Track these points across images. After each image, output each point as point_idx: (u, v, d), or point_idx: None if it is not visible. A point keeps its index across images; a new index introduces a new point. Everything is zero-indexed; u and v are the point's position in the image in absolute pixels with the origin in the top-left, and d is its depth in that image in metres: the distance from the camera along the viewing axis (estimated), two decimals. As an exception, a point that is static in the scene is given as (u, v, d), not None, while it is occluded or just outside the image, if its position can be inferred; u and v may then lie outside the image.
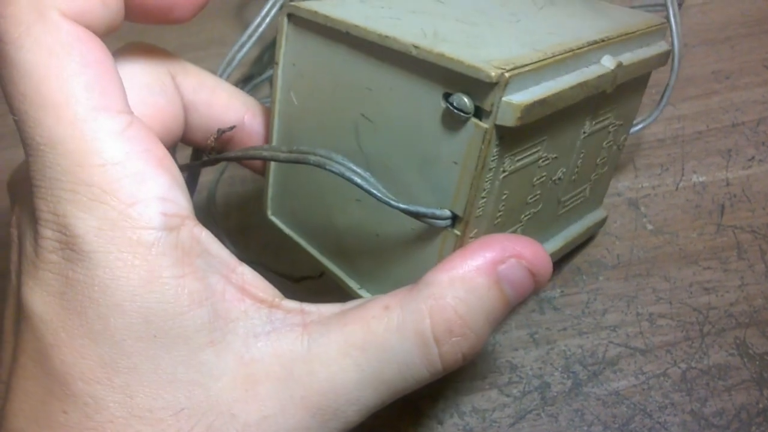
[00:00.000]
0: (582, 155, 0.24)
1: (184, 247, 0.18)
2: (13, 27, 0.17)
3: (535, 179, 0.22)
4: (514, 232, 0.23)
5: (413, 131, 0.20)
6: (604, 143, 0.25)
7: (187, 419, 0.17)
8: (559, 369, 0.27)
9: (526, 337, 0.28)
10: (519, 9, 0.24)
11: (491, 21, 0.22)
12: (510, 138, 0.19)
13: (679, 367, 0.26)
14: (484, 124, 0.18)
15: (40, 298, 0.18)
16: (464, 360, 0.19)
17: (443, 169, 0.19)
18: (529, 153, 0.21)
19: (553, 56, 0.19)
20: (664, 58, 0.25)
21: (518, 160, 0.20)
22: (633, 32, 0.23)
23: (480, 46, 0.19)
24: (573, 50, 0.20)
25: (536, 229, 0.25)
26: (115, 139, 0.17)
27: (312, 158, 0.21)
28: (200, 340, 0.18)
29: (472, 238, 0.20)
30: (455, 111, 0.18)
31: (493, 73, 0.17)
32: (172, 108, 0.22)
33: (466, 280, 0.19)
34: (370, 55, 0.20)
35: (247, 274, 0.19)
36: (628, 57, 0.22)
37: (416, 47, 0.18)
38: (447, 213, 0.20)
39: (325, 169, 0.20)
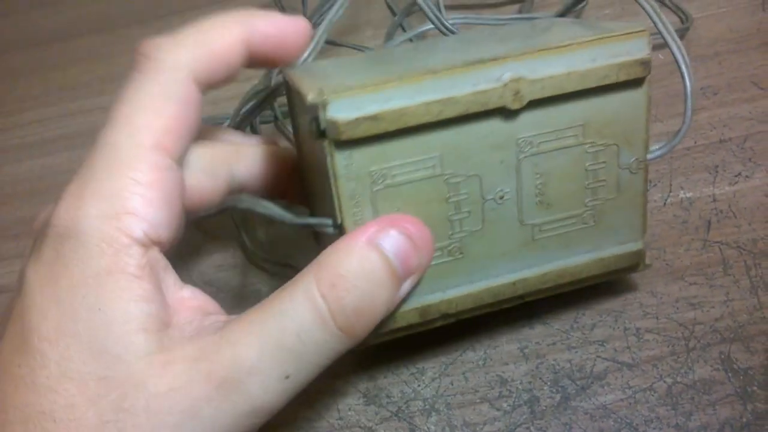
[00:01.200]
0: (540, 176, 0.24)
1: (149, 259, 0.22)
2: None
3: (449, 196, 0.24)
4: (450, 248, 0.25)
5: (316, 153, 0.24)
6: (587, 165, 0.25)
7: (106, 386, 0.20)
8: (548, 383, 0.28)
9: (516, 352, 0.29)
10: (479, 42, 0.27)
11: (411, 59, 0.26)
12: (363, 152, 0.22)
13: (665, 382, 0.27)
14: (324, 140, 0.22)
15: (33, 266, 0.21)
16: (358, 320, 0.21)
17: (327, 183, 0.23)
18: (412, 168, 0.23)
19: (401, 79, 0.22)
20: (637, 68, 0.23)
21: (396, 175, 0.23)
22: (579, 43, 0.23)
23: (336, 78, 0.24)
24: (437, 71, 0.22)
25: (496, 250, 0.25)
26: (145, 171, 0.22)
27: (229, 202, 0.24)
28: (135, 326, 0.21)
29: None
30: (312, 131, 0.22)
31: (310, 97, 0.21)
32: (213, 187, 0.26)
33: (347, 246, 0.22)
34: None
35: (186, 294, 0.24)
36: (550, 71, 0.23)
37: (298, 90, 0.23)
38: (328, 221, 0.23)
39: (237, 207, 0.23)
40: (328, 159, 0.22)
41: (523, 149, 0.24)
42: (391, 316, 0.24)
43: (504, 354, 0.29)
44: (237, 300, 0.34)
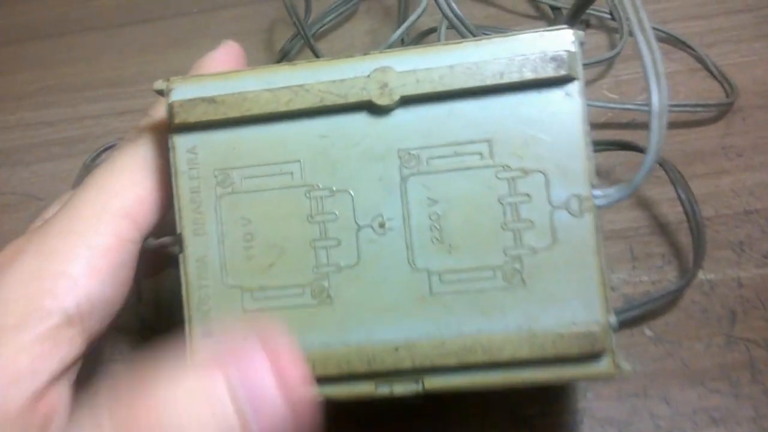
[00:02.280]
0: (434, 203, 0.20)
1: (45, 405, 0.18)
2: None
3: (312, 213, 0.20)
4: (314, 287, 0.20)
5: None
6: (501, 196, 0.19)
7: None
8: None
9: (498, 466, 0.24)
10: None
11: None
12: (209, 146, 0.20)
13: None
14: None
15: None
16: None
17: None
18: (266, 173, 0.20)
19: (255, 69, 0.20)
20: (548, 65, 0.19)
21: (246, 179, 0.20)
22: (473, 40, 0.20)
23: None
24: (296, 64, 0.20)
25: (379, 300, 0.20)
26: (104, 236, 0.20)
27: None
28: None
29: (201, 261, 0.20)
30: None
31: (156, 84, 0.21)
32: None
33: (170, 382, 0.15)
34: None
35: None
36: (428, 64, 0.20)
37: None
38: (169, 239, 0.21)
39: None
40: (170, 152, 0.20)
41: (407, 164, 0.20)
42: None
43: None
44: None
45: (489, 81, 0.19)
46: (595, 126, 0.32)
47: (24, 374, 0.18)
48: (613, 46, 0.37)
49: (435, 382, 0.19)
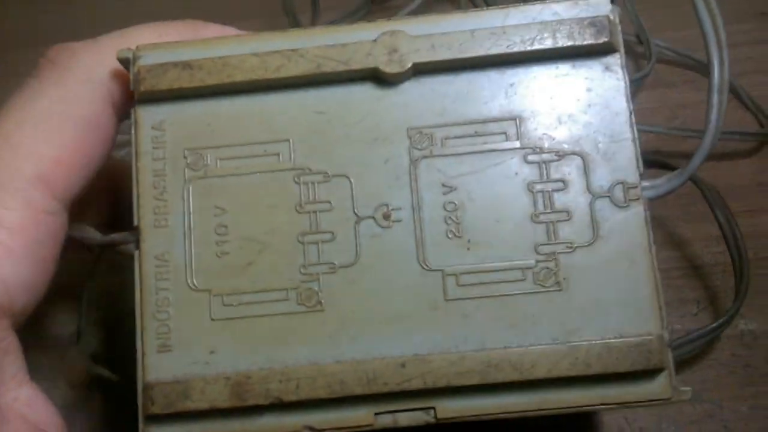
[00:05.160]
0: (451, 191, 0.17)
1: None
2: None
3: (300, 201, 0.17)
4: (300, 291, 0.17)
5: None
6: (531, 183, 0.17)
7: None
8: None
9: None
10: None
11: None
12: (178, 122, 0.17)
13: None
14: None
15: None
16: None
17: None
18: (247, 154, 0.17)
19: (240, 35, 0.18)
20: (588, 30, 0.17)
21: (223, 161, 0.17)
22: (499, 7, 0.18)
23: None
24: (288, 30, 0.18)
25: (382, 309, 0.17)
26: (16, 209, 0.17)
27: None
28: None
29: (160, 259, 0.17)
30: None
31: (120, 53, 0.18)
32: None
33: None
34: None
35: (23, 396, 0.18)
36: (443, 29, 0.17)
37: None
38: (120, 235, 0.18)
39: None
40: (132, 128, 0.18)
41: (417, 145, 0.17)
42: (185, 389, 0.16)
43: None
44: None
45: (517, 48, 0.17)
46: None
47: None
48: (639, 70, 0.34)
49: (451, 409, 0.16)
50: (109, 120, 0.19)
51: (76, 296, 0.27)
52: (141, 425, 0.16)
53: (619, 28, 0.17)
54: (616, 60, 0.17)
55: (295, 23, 0.34)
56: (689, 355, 0.23)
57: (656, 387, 0.16)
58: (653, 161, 0.28)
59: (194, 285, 0.17)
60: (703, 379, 0.24)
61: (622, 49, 0.17)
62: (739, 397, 0.24)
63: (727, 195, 0.29)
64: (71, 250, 0.22)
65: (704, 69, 0.33)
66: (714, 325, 0.22)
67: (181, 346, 0.16)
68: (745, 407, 0.23)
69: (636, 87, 0.32)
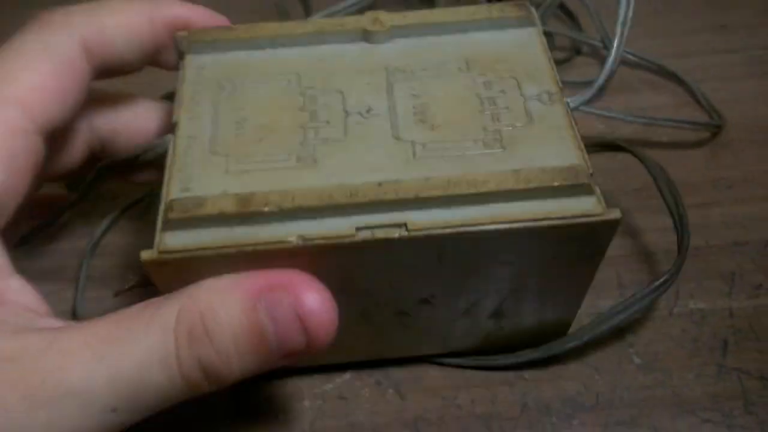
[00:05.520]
0: (417, 97, 0.22)
1: None
2: None
3: (304, 105, 0.22)
4: (299, 154, 0.20)
5: None
6: (479, 92, 0.22)
7: None
8: None
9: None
10: None
11: None
12: (216, 62, 0.23)
13: None
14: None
15: None
16: (206, 377, 0.18)
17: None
18: (265, 81, 0.23)
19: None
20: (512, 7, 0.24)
21: (247, 86, 0.23)
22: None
23: None
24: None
25: (363, 162, 0.20)
26: None
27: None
28: None
29: (191, 138, 0.21)
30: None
31: (179, 34, 0.23)
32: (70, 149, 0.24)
33: (225, 292, 0.18)
34: None
35: (14, 285, 0.20)
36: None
37: None
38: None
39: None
40: (180, 70, 0.23)
41: (393, 75, 0.23)
42: (200, 201, 0.19)
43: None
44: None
45: (465, 18, 0.24)
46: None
47: None
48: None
49: (420, 223, 0.19)
50: (81, 63, 0.21)
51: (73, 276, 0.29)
52: (158, 233, 0.19)
53: (534, 11, 0.24)
54: (534, 29, 0.24)
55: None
56: (638, 314, 0.26)
57: (589, 204, 0.19)
58: (605, 144, 0.31)
59: (215, 151, 0.20)
60: (655, 351, 0.26)
61: (538, 23, 0.24)
62: (687, 367, 0.25)
63: (684, 189, 0.31)
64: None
65: (668, 74, 0.36)
66: (657, 282, 0.24)
67: (200, 189, 0.19)
68: (692, 375, 0.25)
69: (599, 90, 0.35)
